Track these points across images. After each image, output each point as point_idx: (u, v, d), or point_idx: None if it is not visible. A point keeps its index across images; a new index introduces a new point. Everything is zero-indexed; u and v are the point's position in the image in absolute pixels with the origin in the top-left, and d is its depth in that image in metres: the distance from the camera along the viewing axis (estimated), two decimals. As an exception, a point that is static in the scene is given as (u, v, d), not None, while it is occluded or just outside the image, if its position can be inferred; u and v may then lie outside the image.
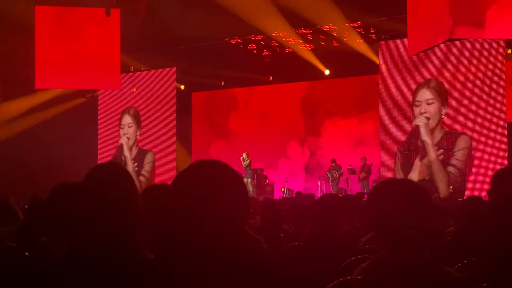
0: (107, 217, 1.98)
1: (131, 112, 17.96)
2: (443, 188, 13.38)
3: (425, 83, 14.09)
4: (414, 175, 13.89)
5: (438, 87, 13.97)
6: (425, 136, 13.86)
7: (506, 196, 2.37)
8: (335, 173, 16.64)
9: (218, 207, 1.74)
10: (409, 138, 14.35)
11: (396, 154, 14.53)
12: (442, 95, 13.90)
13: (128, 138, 17.81)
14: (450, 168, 13.61)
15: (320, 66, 17.50)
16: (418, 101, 14.11)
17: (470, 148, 13.44)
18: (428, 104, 13.98)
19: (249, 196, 1.86)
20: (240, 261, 1.74)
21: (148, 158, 17.61)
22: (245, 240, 1.79)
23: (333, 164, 16.85)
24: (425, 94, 14.06)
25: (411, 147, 14.34)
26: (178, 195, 1.79)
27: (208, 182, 1.77)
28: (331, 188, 16.52)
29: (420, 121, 13.92)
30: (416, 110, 14.12)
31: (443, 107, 13.87)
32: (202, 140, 19.59)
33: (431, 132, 13.88)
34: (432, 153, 13.71)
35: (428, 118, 13.87)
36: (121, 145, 17.84)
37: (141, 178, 17.36)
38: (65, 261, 1.99)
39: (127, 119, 18.02)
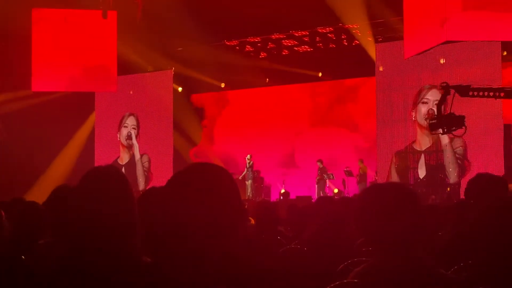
0: (102, 220, 1.98)
1: (135, 116, 18.05)
2: (454, 175, 13.69)
3: (435, 85, 14.19)
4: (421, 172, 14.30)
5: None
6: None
7: (494, 200, 2.36)
8: (332, 175, 16.60)
9: (212, 210, 1.72)
10: (405, 141, 14.50)
11: (392, 157, 14.60)
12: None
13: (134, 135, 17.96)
14: (458, 156, 13.87)
15: (315, 68, 17.50)
16: (427, 98, 14.33)
17: (465, 147, 13.72)
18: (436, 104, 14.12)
19: (242, 199, 1.85)
20: (235, 264, 1.74)
21: (145, 158, 17.76)
22: (240, 243, 1.79)
23: (320, 166, 16.70)
24: (436, 94, 14.17)
25: (408, 150, 14.42)
26: (172, 198, 1.77)
27: (202, 185, 1.75)
28: (327, 190, 16.53)
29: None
30: (423, 108, 14.31)
31: None
32: (199, 143, 19.55)
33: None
34: (445, 138, 13.86)
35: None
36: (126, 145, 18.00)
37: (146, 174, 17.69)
38: (62, 263, 1.99)
39: (133, 121, 18.07)
